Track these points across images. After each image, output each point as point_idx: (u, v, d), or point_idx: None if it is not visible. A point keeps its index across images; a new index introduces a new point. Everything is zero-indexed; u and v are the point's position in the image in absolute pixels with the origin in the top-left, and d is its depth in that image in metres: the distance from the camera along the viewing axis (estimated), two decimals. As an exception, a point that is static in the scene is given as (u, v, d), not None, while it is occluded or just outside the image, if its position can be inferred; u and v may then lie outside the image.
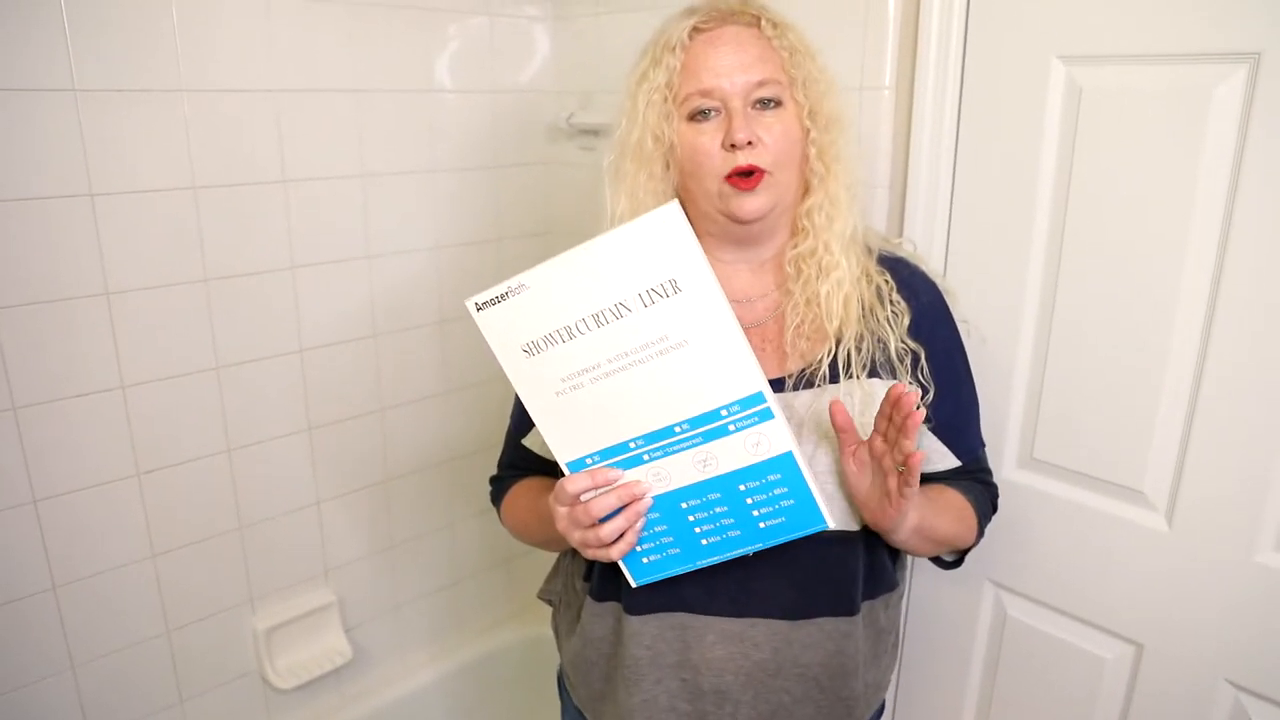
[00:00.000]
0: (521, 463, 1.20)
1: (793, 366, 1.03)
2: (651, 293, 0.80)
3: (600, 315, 0.82)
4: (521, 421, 1.19)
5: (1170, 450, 1.17)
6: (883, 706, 1.23)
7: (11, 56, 1.27)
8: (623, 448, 0.89)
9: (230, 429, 1.62)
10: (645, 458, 0.89)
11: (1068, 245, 1.22)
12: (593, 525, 0.91)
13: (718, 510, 0.91)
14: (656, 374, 0.84)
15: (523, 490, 1.18)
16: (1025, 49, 1.21)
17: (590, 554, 0.94)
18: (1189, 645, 1.20)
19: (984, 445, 1.17)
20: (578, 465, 0.91)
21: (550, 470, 1.18)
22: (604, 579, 1.09)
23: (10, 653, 1.43)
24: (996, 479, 1.20)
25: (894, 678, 1.55)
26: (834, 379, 1.01)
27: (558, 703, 1.31)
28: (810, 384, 1.02)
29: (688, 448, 0.88)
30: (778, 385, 1.02)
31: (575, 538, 0.94)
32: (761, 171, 0.99)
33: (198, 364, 1.55)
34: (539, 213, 2.02)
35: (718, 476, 0.89)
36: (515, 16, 1.88)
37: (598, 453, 0.90)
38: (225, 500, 1.64)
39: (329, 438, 1.77)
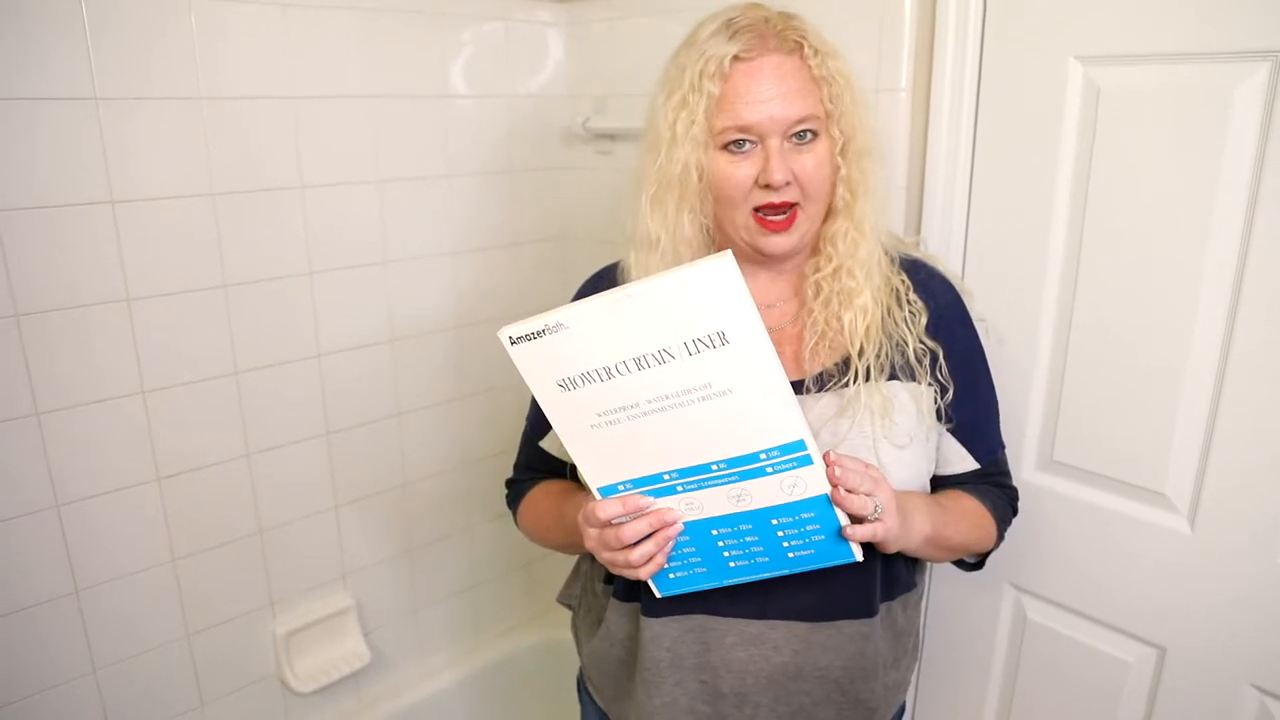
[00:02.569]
0: (539, 464, 1.20)
1: (811, 371, 1.03)
2: (698, 342, 0.78)
3: (642, 360, 0.79)
4: (538, 423, 1.19)
5: (1192, 452, 1.17)
6: (903, 708, 1.22)
7: (34, 65, 1.28)
8: (656, 478, 0.88)
9: (249, 434, 1.63)
10: (679, 489, 0.89)
11: (1087, 246, 1.21)
12: (623, 549, 0.91)
13: (748, 539, 0.91)
14: (697, 417, 0.82)
15: (541, 494, 1.18)
16: (1043, 49, 1.21)
17: (617, 571, 0.95)
18: (1212, 649, 1.19)
19: (1004, 447, 1.16)
20: (609, 490, 0.91)
21: (568, 472, 1.18)
22: (627, 581, 1.09)
23: (33, 656, 1.44)
24: (1016, 481, 1.19)
25: (914, 681, 1.55)
26: (851, 379, 1.02)
27: (577, 707, 1.30)
28: (828, 388, 1.02)
29: (722, 484, 0.87)
30: (796, 387, 1.02)
31: (604, 557, 0.94)
32: (795, 212, 0.99)
33: (217, 369, 1.56)
34: (555, 217, 2.03)
35: (750, 511, 0.89)
36: (530, 22, 1.89)
37: (631, 481, 0.90)
38: (244, 505, 1.65)
39: (347, 442, 1.78)
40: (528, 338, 0.80)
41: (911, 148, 1.37)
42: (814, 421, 1.00)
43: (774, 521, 0.89)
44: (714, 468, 0.86)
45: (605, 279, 1.16)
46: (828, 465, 0.85)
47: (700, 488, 0.88)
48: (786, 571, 0.93)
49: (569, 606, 1.29)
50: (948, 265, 1.28)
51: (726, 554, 0.93)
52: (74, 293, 1.38)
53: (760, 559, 0.92)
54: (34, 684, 1.45)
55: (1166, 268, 1.14)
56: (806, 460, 0.84)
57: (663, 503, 0.90)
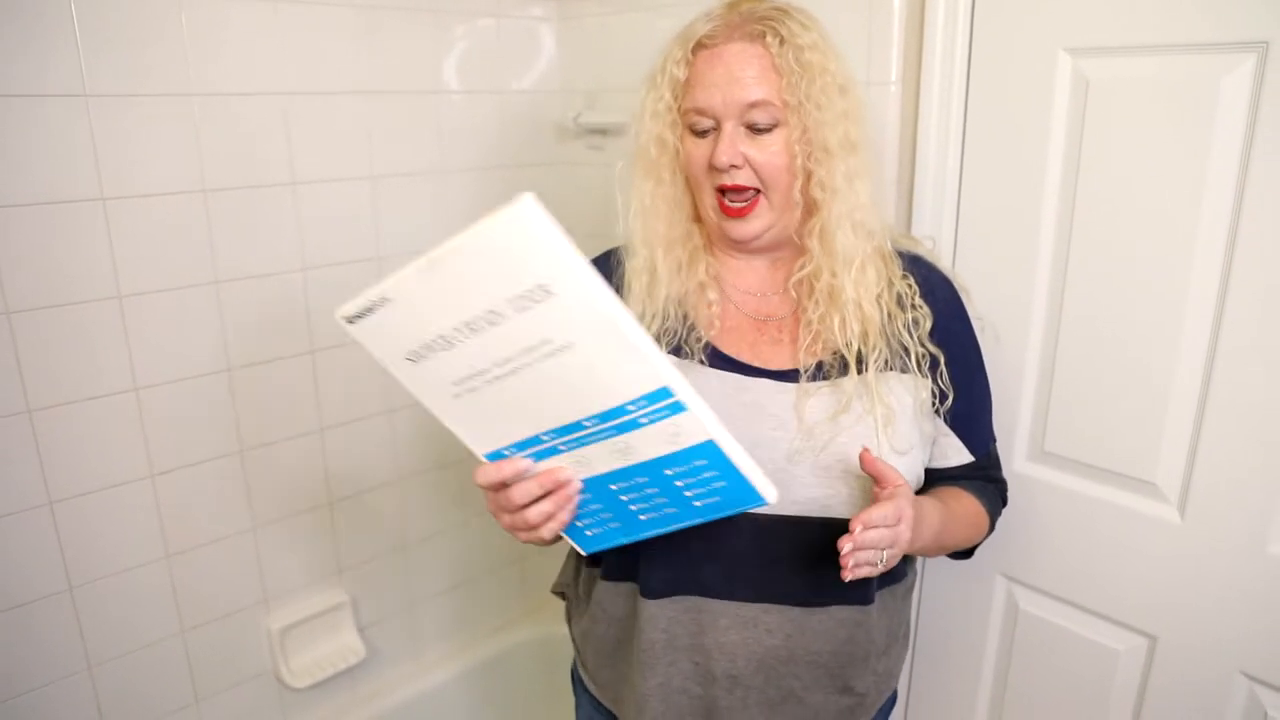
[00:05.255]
0: None
1: (806, 362, 1.04)
2: (521, 299, 0.72)
3: (473, 324, 0.75)
4: None
5: (1182, 441, 1.17)
6: (894, 696, 1.23)
7: (23, 62, 1.28)
8: (535, 440, 0.86)
9: (242, 430, 1.63)
10: (560, 448, 0.86)
11: (1076, 238, 1.22)
12: (517, 511, 0.90)
13: (648, 491, 0.88)
14: (550, 375, 0.78)
15: None
16: (1031, 42, 1.21)
17: (522, 538, 0.94)
18: (1202, 637, 1.20)
19: (995, 440, 1.18)
20: (496, 456, 0.89)
21: None
22: (617, 560, 1.10)
23: (28, 653, 1.44)
24: (1007, 472, 1.21)
25: (907, 671, 1.55)
26: (850, 370, 1.02)
27: (571, 699, 1.31)
28: (826, 376, 1.03)
29: (601, 439, 0.84)
30: (792, 377, 1.03)
31: (504, 522, 0.94)
32: (756, 200, 1.01)
33: (210, 366, 1.56)
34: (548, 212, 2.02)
35: (640, 463, 0.85)
36: (521, 17, 1.89)
37: (513, 445, 0.88)
38: (238, 501, 1.65)
39: (341, 438, 1.78)
40: (361, 315, 0.79)
41: (901, 142, 1.38)
42: (809, 414, 1.01)
43: (668, 472, 0.84)
44: (586, 424, 0.82)
45: (601, 263, 1.16)
46: (853, 529, 0.86)
47: (581, 445, 0.85)
48: (700, 520, 0.89)
49: (562, 595, 1.29)
50: (943, 262, 1.29)
51: (633, 507, 0.91)
52: (66, 290, 1.38)
53: (668, 510, 0.89)
54: (29, 681, 1.45)
55: (1156, 258, 1.15)
56: (679, 407, 0.78)
57: (549, 463, 0.88)
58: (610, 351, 0.75)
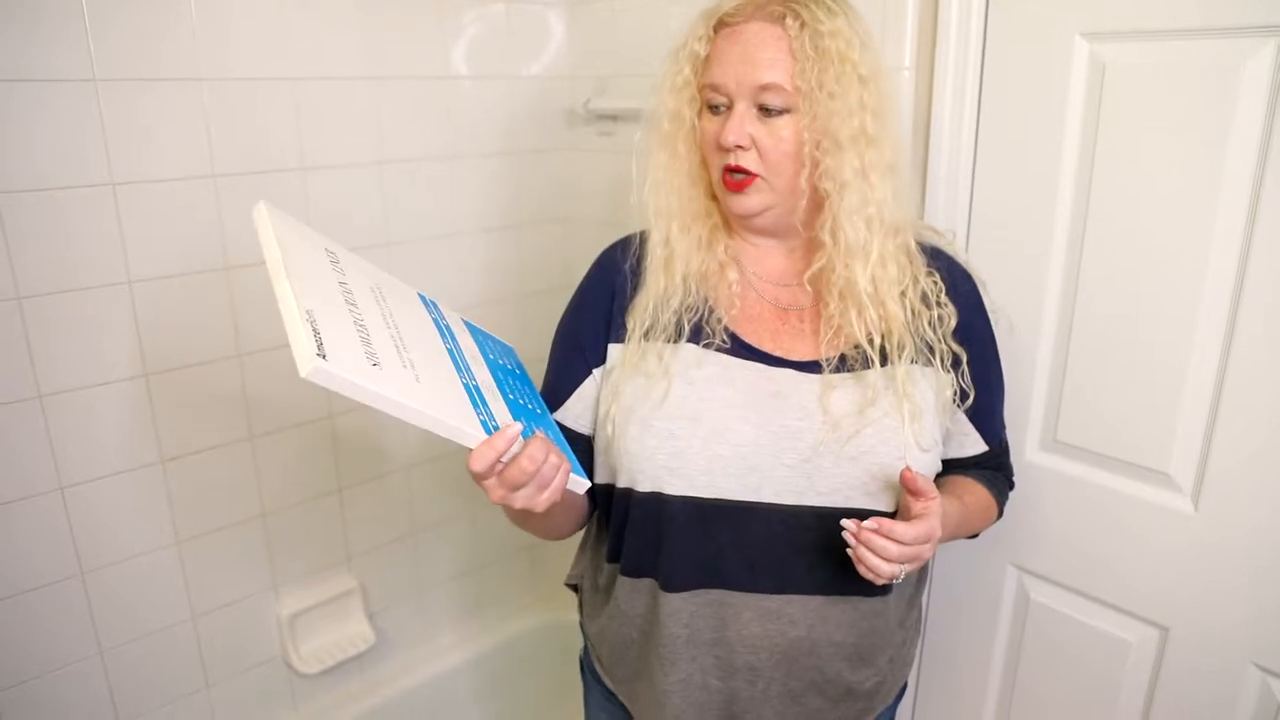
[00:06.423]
0: None
1: (829, 352, 1.03)
2: (329, 251, 0.96)
3: (349, 292, 0.90)
4: (554, 396, 1.16)
5: (1196, 431, 1.16)
6: (904, 686, 1.23)
7: (33, 47, 1.27)
8: (458, 362, 0.95)
9: (253, 416, 1.63)
10: (463, 352, 0.97)
11: (1092, 226, 1.21)
12: (533, 477, 0.86)
13: (500, 362, 1.03)
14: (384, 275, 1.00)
15: None
16: (1047, 26, 1.20)
17: (542, 501, 0.88)
18: (1215, 628, 1.19)
19: (1004, 426, 1.18)
20: (488, 427, 0.87)
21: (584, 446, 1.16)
22: (636, 554, 1.08)
23: (39, 639, 1.45)
24: (1019, 462, 1.20)
25: (917, 660, 1.55)
26: (874, 364, 1.01)
27: (580, 687, 1.31)
28: (850, 369, 1.02)
29: (438, 315, 1.01)
30: (814, 368, 1.02)
31: (519, 499, 0.88)
32: (751, 175, 1.00)
33: (220, 351, 1.56)
34: (558, 198, 2.02)
35: (476, 340, 1.04)
36: (531, 2, 1.88)
37: (469, 387, 0.91)
38: (248, 487, 1.66)
39: (351, 424, 1.78)
40: (320, 353, 0.78)
41: (915, 128, 1.36)
42: (835, 407, 1.00)
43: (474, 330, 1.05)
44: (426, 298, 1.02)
45: (623, 247, 1.15)
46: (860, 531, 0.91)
47: (454, 334, 0.99)
48: (518, 366, 1.07)
49: (575, 588, 1.28)
50: (962, 255, 1.28)
51: (522, 401, 0.98)
52: (76, 275, 1.38)
53: (502, 360, 1.05)
54: (40, 666, 1.46)
55: (1172, 247, 1.13)
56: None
57: (488, 377, 0.97)
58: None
